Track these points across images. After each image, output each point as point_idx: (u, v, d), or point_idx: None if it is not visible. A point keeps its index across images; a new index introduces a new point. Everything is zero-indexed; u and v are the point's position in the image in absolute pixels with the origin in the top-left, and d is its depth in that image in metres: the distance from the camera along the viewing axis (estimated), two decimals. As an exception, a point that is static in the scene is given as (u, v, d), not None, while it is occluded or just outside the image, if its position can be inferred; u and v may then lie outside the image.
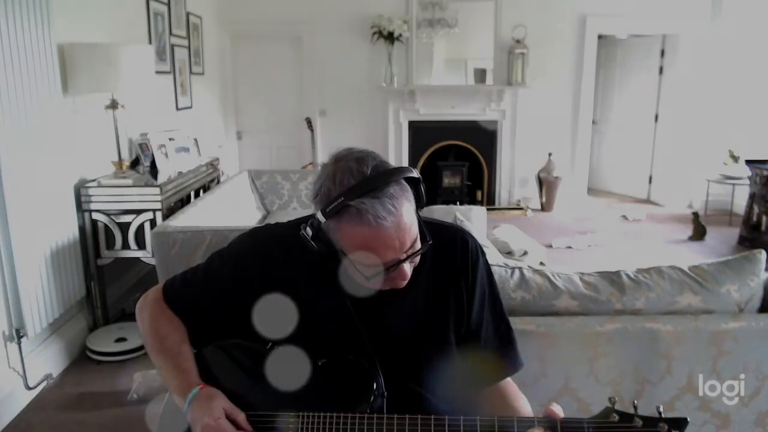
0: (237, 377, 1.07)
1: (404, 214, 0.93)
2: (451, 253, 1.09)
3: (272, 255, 1.09)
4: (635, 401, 0.92)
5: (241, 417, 1.00)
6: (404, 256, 0.95)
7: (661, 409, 0.90)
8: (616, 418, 0.90)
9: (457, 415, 0.96)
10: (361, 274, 0.96)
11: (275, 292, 1.07)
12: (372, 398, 1.00)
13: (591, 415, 0.92)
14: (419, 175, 0.98)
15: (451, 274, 1.09)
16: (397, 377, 1.04)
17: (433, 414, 0.96)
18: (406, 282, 1.00)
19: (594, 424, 0.91)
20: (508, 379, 1.13)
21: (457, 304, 1.08)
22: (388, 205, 0.90)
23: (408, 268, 0.98)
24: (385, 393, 1.02)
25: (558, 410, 0.93)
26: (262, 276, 1.08)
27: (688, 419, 0.89)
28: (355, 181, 0.91)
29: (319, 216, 0.93)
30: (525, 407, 1.09)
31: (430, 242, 0.99)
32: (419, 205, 0.99)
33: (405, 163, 6.12)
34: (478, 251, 1.11)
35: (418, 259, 1.01)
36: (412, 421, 0.96)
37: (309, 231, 0.96)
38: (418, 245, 0.98)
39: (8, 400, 2.37)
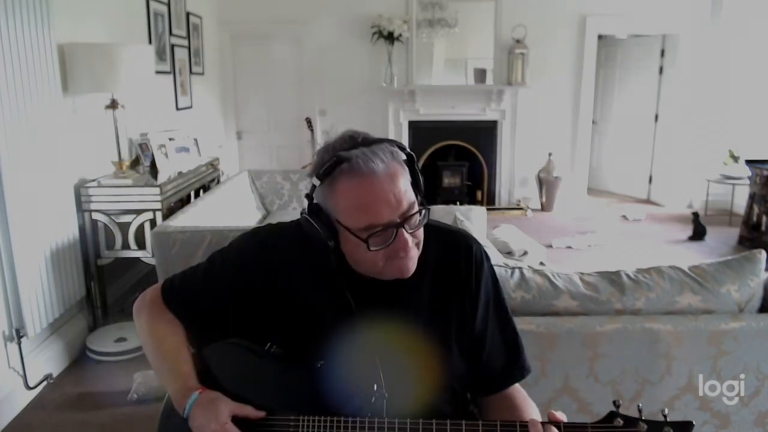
0: (236, 378, 1.07)
1: (398, 169, 0.94)
2: (454, 258, 1.08)
3: (274, 254, 1.09)
4: (639, 405, 0.91)
5: (248, 410, 0.99)
6: (399, 219, 0.94)
7: (666, 413, 0.89)
8: (621, 422, 0.89)
9: (460, 417, 0.95)
10: (361, 251, 0.95)
11: (276, 291, 1.07)
12: (373, 399, 1.00)
13: (593, 418, 0.91)
14: (412, 153, 0.99)
15: (455, 280, 1.08)
16: (398, 379, 1.04)
17: (435, 417, 0.96)
18: (409, 260, 0.97)
19: (598, 429, 0.90)
20: (516, 385, 1.12)
21: (460, 309, 1.07)
22: (380, 154, 0.93)
23: (409, 239, 0.96)
24: (386, 394, 1.01)
25: (561, 416, 0.92)
26: (264, 275, 1.08)
27: (693, 423, 0.88)
28: (348, 145, 0.95)
29: (314, 181, 0.95)
30: (534, 414, 1.07)
31: (429, 208, 0.99)
32: (415, 183, 0.99)
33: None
34: (482, 256, 1.10)
35: (421, 236, 0.99)
36: (413, 425, 0.95)
37: (306, 202, 0.99)
38: (416, 210, 0.96)
39: (8, 400, 2.37)
